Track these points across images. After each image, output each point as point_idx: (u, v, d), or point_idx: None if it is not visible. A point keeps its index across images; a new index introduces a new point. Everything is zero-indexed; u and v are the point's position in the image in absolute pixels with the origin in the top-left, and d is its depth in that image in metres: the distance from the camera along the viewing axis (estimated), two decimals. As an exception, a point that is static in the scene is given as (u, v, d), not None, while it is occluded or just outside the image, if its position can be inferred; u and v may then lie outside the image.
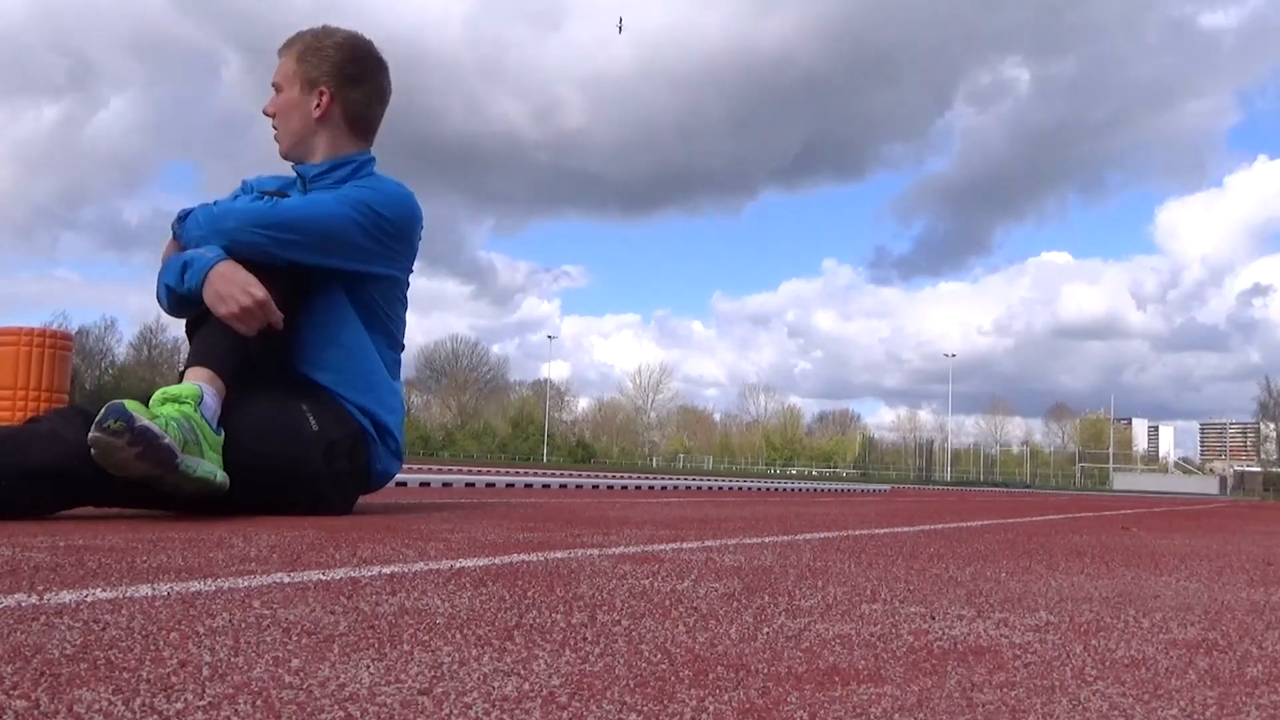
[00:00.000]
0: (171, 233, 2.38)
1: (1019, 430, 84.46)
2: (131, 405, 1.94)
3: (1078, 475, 73.14)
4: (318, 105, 2.45)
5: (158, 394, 2.08)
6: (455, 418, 75.41)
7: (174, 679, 0.71)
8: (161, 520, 2.09)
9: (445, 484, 5.62)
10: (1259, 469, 69.73)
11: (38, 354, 5.50)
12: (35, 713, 0.61)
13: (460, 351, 78.08)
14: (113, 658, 0.76)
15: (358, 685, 0.71)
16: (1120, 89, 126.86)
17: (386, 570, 1.37)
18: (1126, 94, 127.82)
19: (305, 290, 2.36)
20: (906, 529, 3.17)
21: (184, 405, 2.05)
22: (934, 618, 1.19)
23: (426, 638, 0.90)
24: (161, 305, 2.39)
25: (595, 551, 1.82)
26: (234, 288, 2.18)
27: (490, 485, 5.95)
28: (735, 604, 1.22)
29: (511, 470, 14.11)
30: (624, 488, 7.08)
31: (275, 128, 2.49)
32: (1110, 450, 73.75)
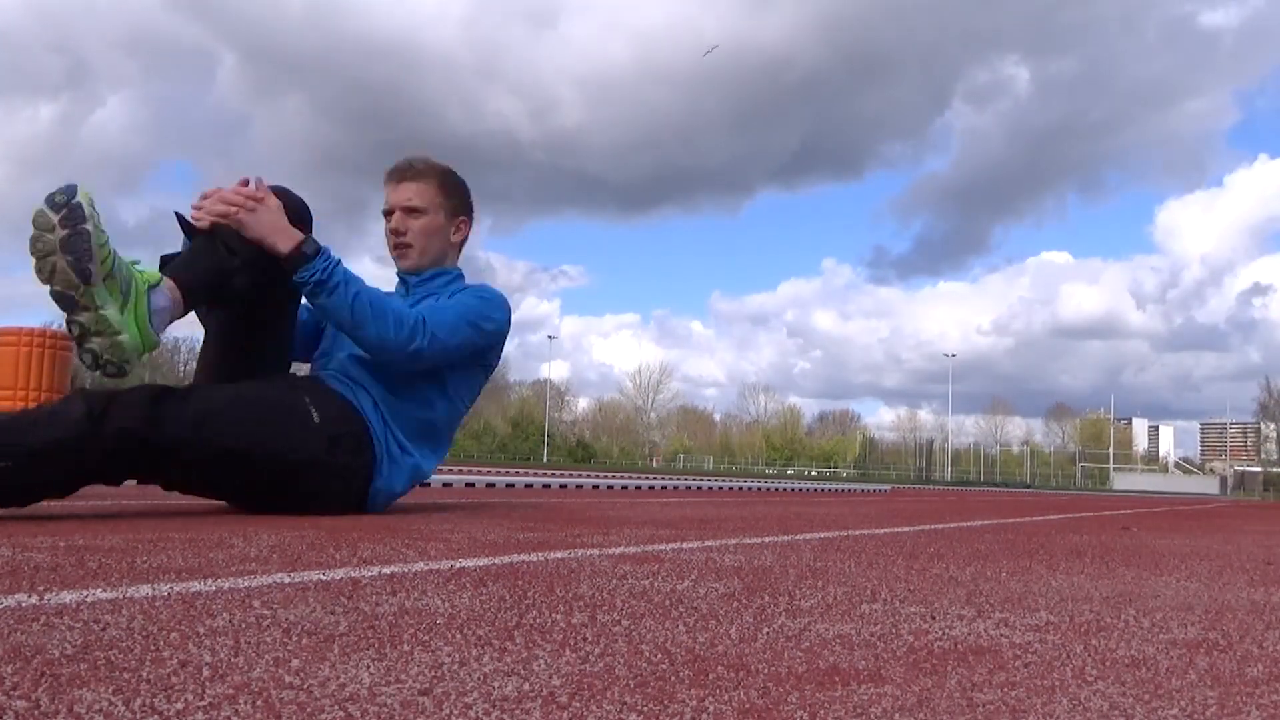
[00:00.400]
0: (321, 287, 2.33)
1: (1019, 430, 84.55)
2: (86, 197, 1.95)
3: (1078, 475, 73.14)
4: (456, 231, 2.79)
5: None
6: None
7: (174, 679, 0.71)
8: (161, 520, 2.09)
9: (445, 484, 5.62)
10: (1259, 469, 69.74)
11: (38, 354, 5.50)
12: (35, 713, 0.61)
13: (460, 351, 77.73)
14: (113, 658, 0.76)
15: (358, 685, 0.71)
16: (1120, 88, 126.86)
17: (386, 570, 1.37)
18: (1126, 93, 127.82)
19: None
20: (906, 529, 3.17)
21: (138, 270, 2.08)
22: (934, 618, 1.19)
23: (426, 638, 0.90)
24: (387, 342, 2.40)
25: (595, 551, 1.82)
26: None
27: (490, 485, 5.95)
28: (735, 604, 1.22)
29: (511, 470, 14.12)
30: (624, 488, 7.08)
31: (409, 244, 2.70)
32: (1110, 450, 73.76)
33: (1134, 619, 1.28)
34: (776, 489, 9.53)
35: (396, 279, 2.79)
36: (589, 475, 9.74)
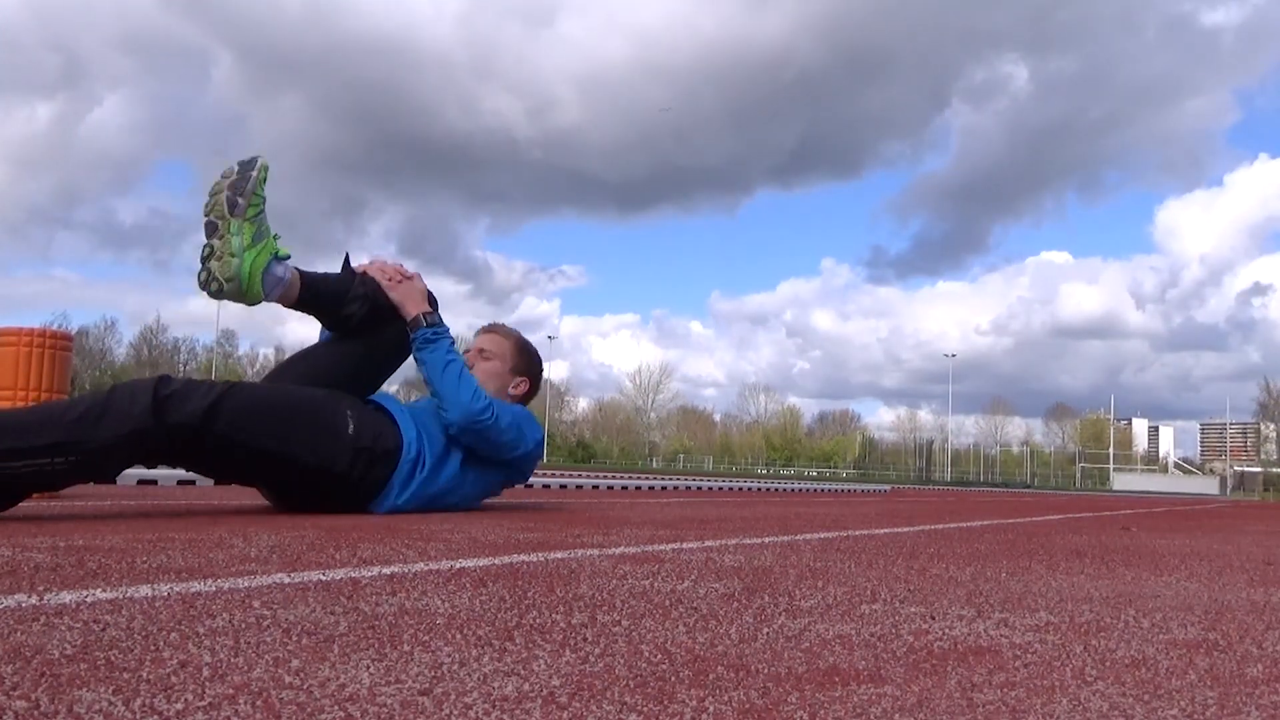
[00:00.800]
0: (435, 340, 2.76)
1: (1019, 430, 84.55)
2: (264, 165, 2.44)
3: (1078, 475, 73.15)
4: (516, 386, 3.14)
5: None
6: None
7: (174, 679, 0.71)
8: (161, 520, 2.09)
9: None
10: (1259, 469, 69.75)
11: (38, 354, 5.50)
12: (35, 713, 0.61)
13: (460, 352, 77.83)
14: (113, 658, 0.76)
15: (358, 685, 0.71)
16: (1119, 87, 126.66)
17: (386, 571, 1.37)
18: (1126, 92, 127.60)
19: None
20: (906, 529, 3.17)
21: (277, 242, 2.48)
22: (934, 618, 1.19)
23: (426, 638, 0.90)
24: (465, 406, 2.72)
25: (595, 551, 1.82)
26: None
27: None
28: (735, 604, 1.22)
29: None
30: (624, 488, 7.08)
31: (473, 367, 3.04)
32: (1110, 450, 73.76)
33: (1134, 619, 1.28)
34: (776, 489, 9.53)
35: None
36: (589, 475, 9.75)
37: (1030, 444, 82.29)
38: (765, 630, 1.04)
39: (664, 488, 7.66)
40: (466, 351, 3.07)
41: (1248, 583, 1.87)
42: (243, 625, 0.92)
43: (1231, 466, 72.95)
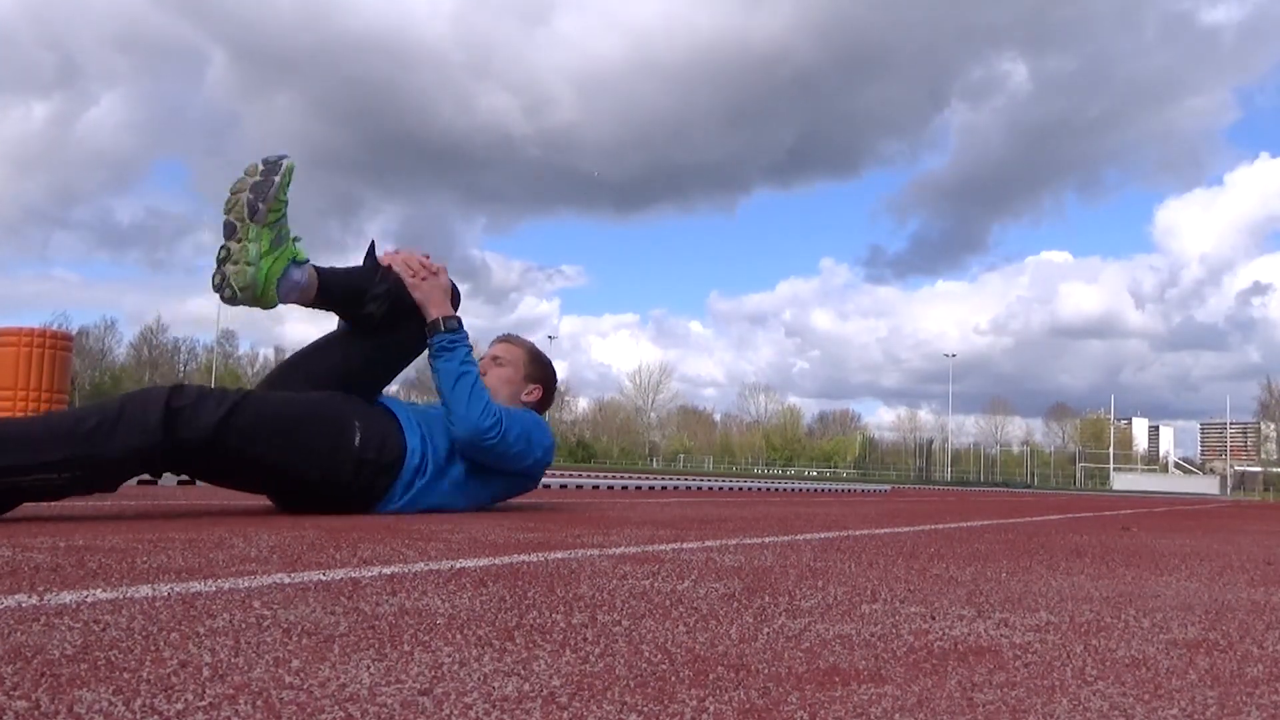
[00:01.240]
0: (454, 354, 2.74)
1: (1019, 430, 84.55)
2: (289, 166, 2.40)
3: (1078, 475, 73.15)
4: (529, 393, 3.14)
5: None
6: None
7: (174, 679, 0.71)
8: (161, 521, 2.09)
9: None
10: (1259, 469, 69.75)
11: (38, 354, 5.50)
12: (35, 713, 0.61)
13: (460, 352, 77.79)
14: (113, 658, 0.76)
15: (358, 686, 0.71)
16: (1119, 85, 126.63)
17: (387, 571, 1.37)
18: (1125, 90, 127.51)
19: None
20: (906, 529, 3.17)
21: (296, 245, 2.46)
22: (934, 618, 1.19)
23: (427, 638, 0.90)
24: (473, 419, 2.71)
25: (595, 551, 1.82)
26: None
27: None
28: (735, 604, 1.22)
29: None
30: (624, 488, 7.08)
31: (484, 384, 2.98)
32: (1110, 450, 73.75)
33: (1134, 619, 1.28)
34: (776, 489, 9.53)
35: None
36: (589, 475, 9.74)
37: (1030, 444, 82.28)
38: (765, 630, 1.04)
39: (664, 488, 7.66)
40: (480, 359, 3.04)
41: (1248, 583, 1.87)
42: (243, 625, 0.92)
43: (1232, 466, 72.92)
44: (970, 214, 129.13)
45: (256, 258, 2.33)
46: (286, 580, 1.23)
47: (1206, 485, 62.54)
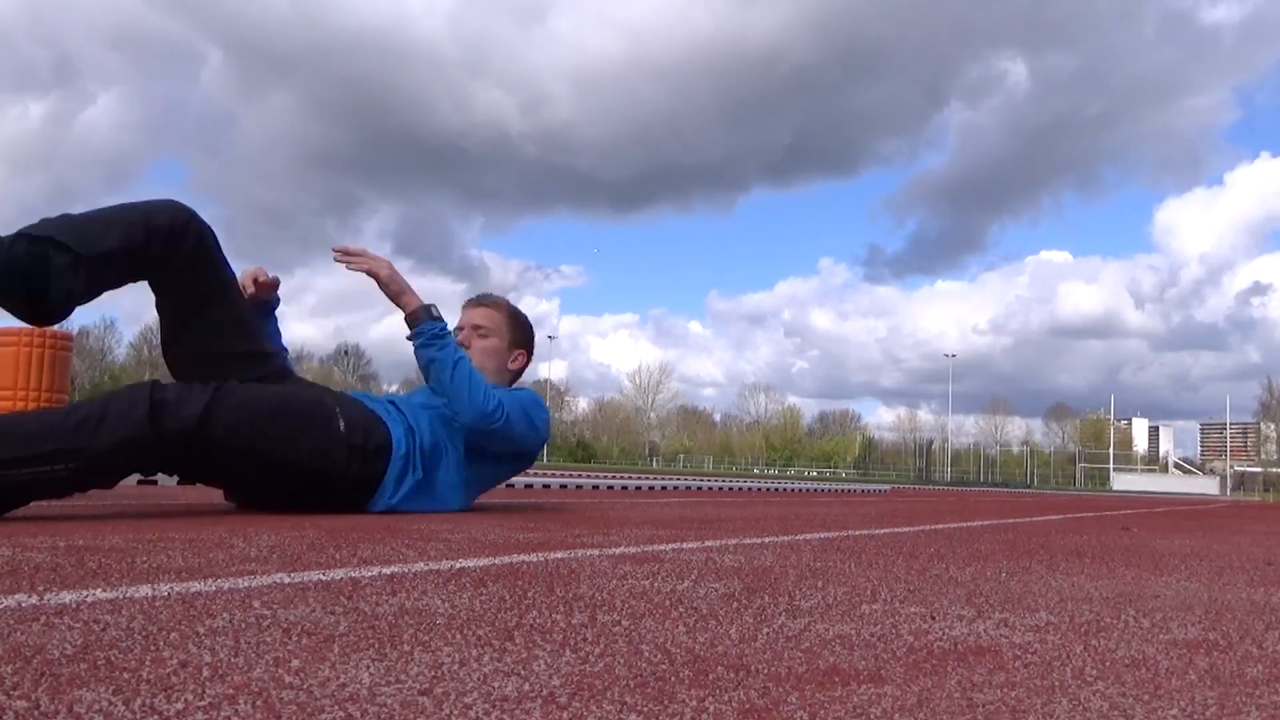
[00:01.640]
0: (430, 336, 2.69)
1: (1019, 430, 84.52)
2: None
3: (1078, 475, 73.13)
4: (514, 361, 3.08)
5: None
6: (455, 418, 75.16)
7: (174, 679, 0.71)
8: (161, 520, 2.09)
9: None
10: (1259, 469, 69.73)
11: (38, 354, 5.50)
12: (35, 713, 0.61)
13: (460, 352, 77.88)
14: (113, 658, 0.76)
15: (358, 685, 0.71)
16: (1118, 84, 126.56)
17: (386, 570, 1.37)
18: (1125, 89, 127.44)
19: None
20: (906, 529, 3.17)
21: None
22: (934, 618, 1.19)
23: (426, 638, 0.90)
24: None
25: (595, 551, 1.82)
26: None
27: (490, 485, 5.94)
28: (735, 604, 1.22)
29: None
30: (624, 488, 7.08)
31: (469, 347, 2.95)
32: (1110, 450, 73.71)
33: (1134, 619, 1.28)
34: (776, 489, 9.53)
35: None
36: (589, 475, 9.75)
37: (1030, 444, 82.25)
38: (765, 630, 1.04)
39: (664, 488, 7.66)
40: (459, 329, 3.00)
41: (1248, 583, 1.87)
42: (243, 625, 0.92)
43: (1231, 466, 72.90)
44: (969, 213, 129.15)
45: None
46: (286, 580, 1.23)
47: (1206, 485, 62.52)
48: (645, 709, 0.69)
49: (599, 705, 0.69)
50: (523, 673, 0.78)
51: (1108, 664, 0.95)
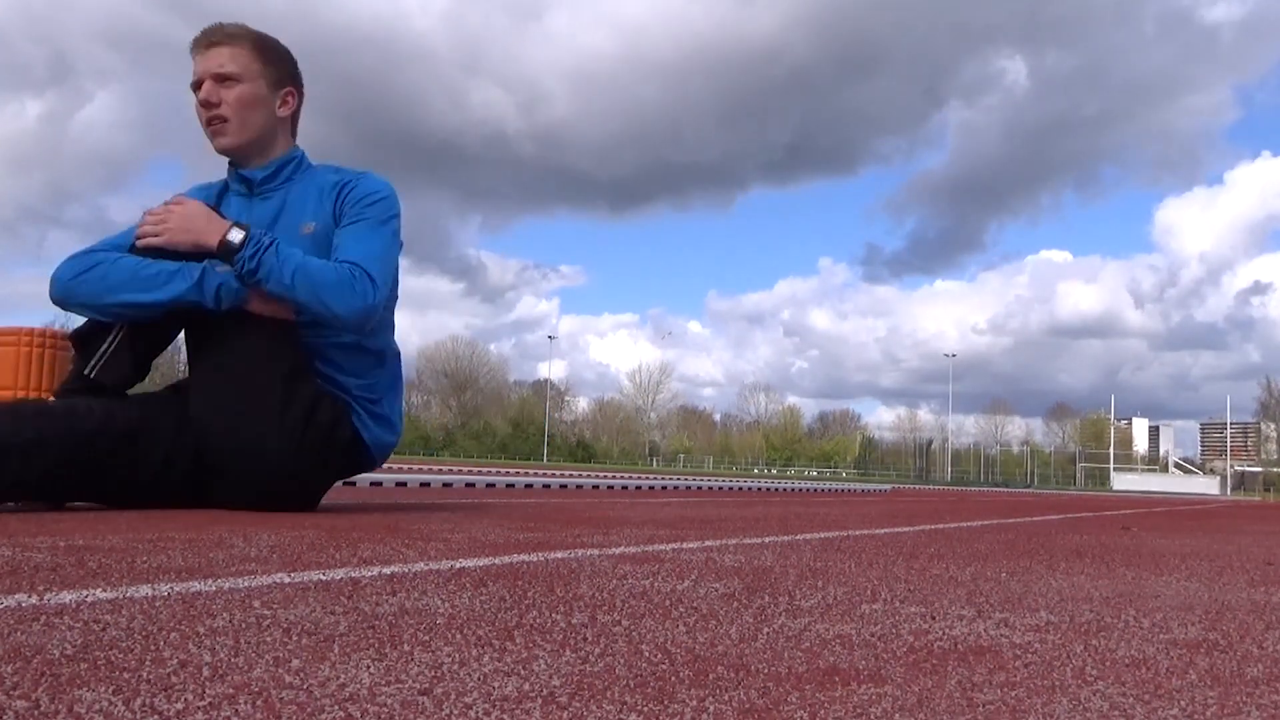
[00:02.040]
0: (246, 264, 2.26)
1: (1019, 430, 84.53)
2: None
3: (1078, 475, 73.12)
4: (283, 105, 2.51)
5: None
6: (455, 418, 75.48)
7: (174, 679, 0.71)
8: (162, 520, 2.09)
9: (445, 484, 5.63)
10: (1259, 469, 69.74)
11: (38, 354, 5.51)
12: (35, 713, 0.61)
13: (460, 352, 78.24)
14: (113, 658, 0.76)
15: (358, 685, 0.71)
16: (1117, 83, 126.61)
17: (387, 570, 1.37)
18: (1124, 88, 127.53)
19: None
20: (907, 529, 3.17)
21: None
22: (934, 618, 1.19)
23: (427, 638, 0.90)
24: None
25: (595, 551, 1.82)
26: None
27: (490, 485, 5.95)
28: (735, 604, 1.22)
29: (511, 470, 14.11)
30: (624, 488, 7.08)
31: (223, 118, 2.42)
32: (1110, 450, 73.70)
33: (1134, 619, 1.28)
34: (776, 489, 9.53)
35: (228, 175, 2.55)
36: (589, 475, 9.74)
37: (1030, 444, 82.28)
38: (765, 630, 1.04)
39: (664, 487, 7.66)
40: (197, 86, 2.42)
41: (1248, 583, 1.87)
42: (243, 625, 0.92)
43: (1232, 466, 72.89)
44: (968, 213, 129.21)
45: None
46: (286, 580, 1.23)
47: (1206, 485, 62.50)
48: (645, 709, 0.69)
49: (599, 705, 0.69)
50: (523, 673, 0.78)
51: (1108, 664, 0.95)
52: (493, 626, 0.98)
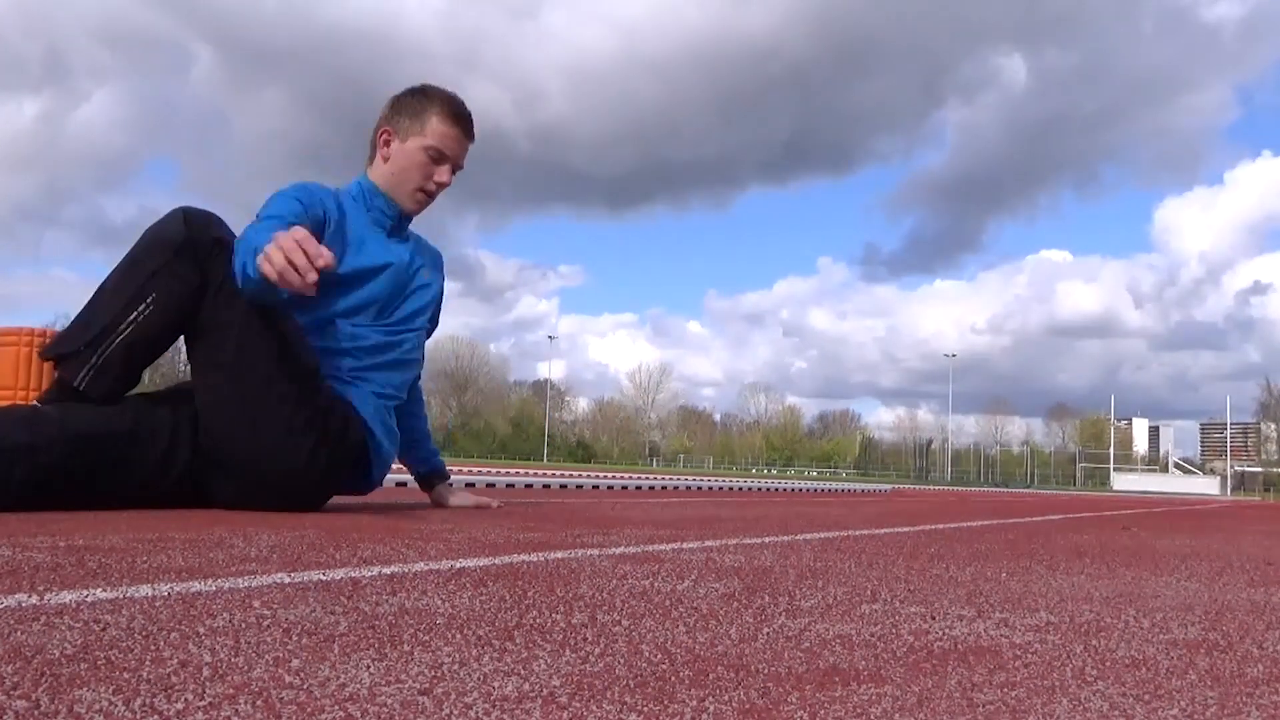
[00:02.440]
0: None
1: (1019, 430, 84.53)
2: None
3: (1078, 475, 73.14)
4: None
5: None
6: (455, 418, 75.50)
7: (174, 679, 0.71)
8: (161, 520, 2.09)
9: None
10: (1259, 469, 69.77)
11: (38, 354, 5.52)
12: (35, 713, 0.61)
13: (459, 352, 78.21)
14: (113, 658, 0.76)
15: (358, 685, 0.71)
16: (1117, 82, 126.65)
17: (387, 570, 1.37)
18: (1123, 87, 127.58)
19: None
20: (906, 529, 3.17)
21: None
22: (934, 618, 1.19)
23: (427, 638, 0.90)
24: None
25: (595, 551, 1.82)
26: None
27: (490, 485, 5.95)
28: (735, 604, 1.22)
29: (511, 470, 14.10)
30: (624, 488, 7.08)
31: (437, 196, 2.65)
32: (1110, 450, 73.68)
33: (1134, 619, 1.28)
34: (776, 489, 9.53)
35: (392, 219, 2.63)
36: (589, 475, 9.74)
37: (1030, 444, 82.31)
38: (765, 630, 1.04)
39: (664, 487, 7.66)
40: (440, 160, 2.59)
41: (1248, 583, 1.87)
42: (243, 625, 0.92)
43: (1232, 466, 72.87)
44: (967, 212, 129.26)
45: None
46: (286, 580, 1.23)
47: (1206, 485, 62.50)
48: (645, 709, 0.69)
49: (599, 705, 0.69)
50: (523, 673, 0.78)
51: (1108, 664, 0.95)
52: (493, 626, 0.98)
